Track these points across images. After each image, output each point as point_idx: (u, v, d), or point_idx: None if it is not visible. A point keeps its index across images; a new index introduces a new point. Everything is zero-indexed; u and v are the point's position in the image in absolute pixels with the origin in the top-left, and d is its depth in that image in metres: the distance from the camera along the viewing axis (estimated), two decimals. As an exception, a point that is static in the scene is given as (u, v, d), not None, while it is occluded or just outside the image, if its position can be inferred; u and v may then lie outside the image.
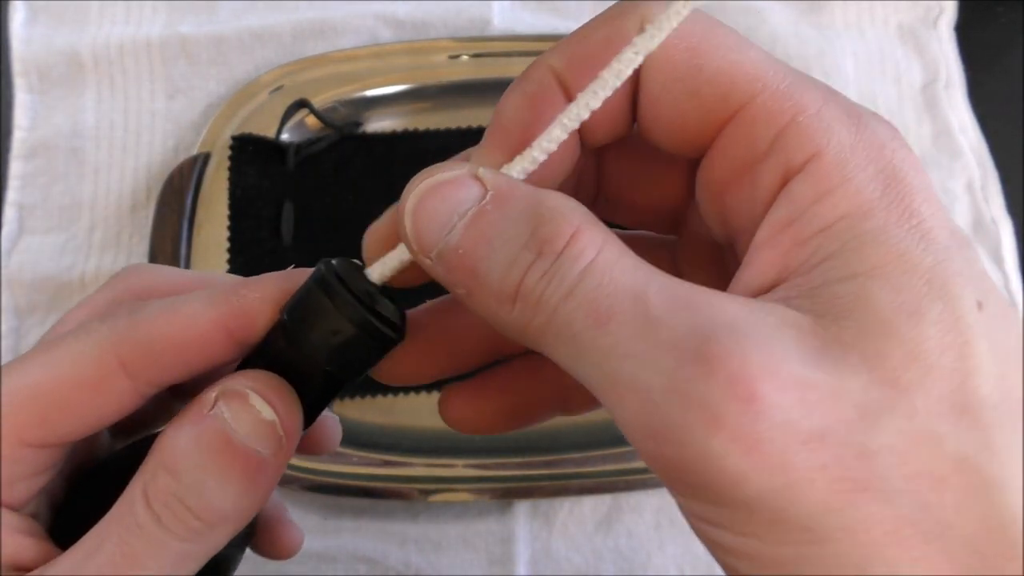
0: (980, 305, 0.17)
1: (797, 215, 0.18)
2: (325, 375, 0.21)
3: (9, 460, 0.21)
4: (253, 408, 0.20)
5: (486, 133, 0.21)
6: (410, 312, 0.23)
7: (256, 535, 0.26)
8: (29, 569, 0.20)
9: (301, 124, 0.48)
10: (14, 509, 0.21)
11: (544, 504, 0.43)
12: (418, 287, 0.22)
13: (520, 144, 0.20)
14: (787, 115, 0.19)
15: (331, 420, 0.26)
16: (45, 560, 0.21)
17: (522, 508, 0.43)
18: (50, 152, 0.49)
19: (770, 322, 0.17)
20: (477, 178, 0.19)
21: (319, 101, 0.48)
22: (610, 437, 0.42)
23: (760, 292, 0.18)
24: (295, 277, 0.22)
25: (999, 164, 0.49)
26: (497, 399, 0.25)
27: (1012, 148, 0.50)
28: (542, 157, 0.19)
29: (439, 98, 0.49)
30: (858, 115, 0.19)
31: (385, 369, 0.23)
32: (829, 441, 0.16)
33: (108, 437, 0.25)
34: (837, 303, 0.17)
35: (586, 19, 0.20)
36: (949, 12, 0.53)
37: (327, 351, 0.21)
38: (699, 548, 0.44)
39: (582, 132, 0.21)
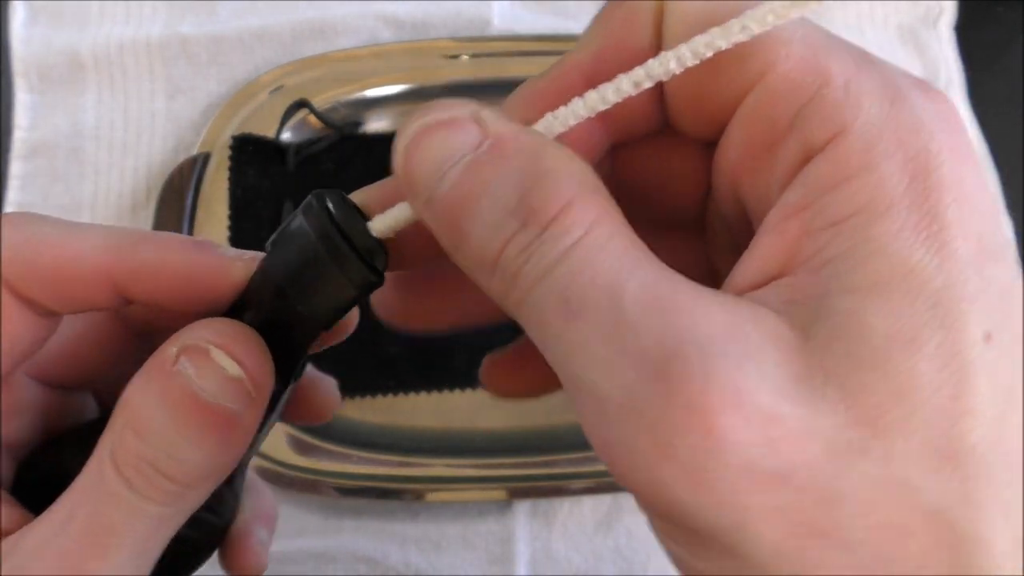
0: (988, 336, 0.15)
1: (811, 200, 0.16)
2: (302, 320, 0.20)
3: None
4: (215, 364, 0.19)
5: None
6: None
7: (224, 547, 0.25)
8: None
9: (301, 124, 0.48)
10: None
11: (544, 504, 0.43)
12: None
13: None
14: (811, 87, 0.17)
15: (327, 384, 0.25)
16: (15, 524, 0.20)
17: (522, 508, 0.43)
18: (50, 152, 0.49)
19: (753, 338, 0.15)
20: (477, 121, 0.17)
21: (319, 101, 0.48)
22: (610, 437, 0.42)
23: (761, 283, 0.17)
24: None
25: (999, 164, 0.49)
26: (538, 362, 0.24)
27: (1012, 148, 0.50)
28: (559, 129, 0.18)
29: (439, 98, 0.49)
30: (896, 88, 0.16)
31: (400, 317, 0.22)
32: (790, 483, 0.14)
33: (96, 409, 0.25)
34: (832, 321, 0.15)
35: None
36: (949, 12, 0.53)
37: (321, 309, 0.20)
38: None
39: (613, 125, 0.20)
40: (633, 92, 0.17)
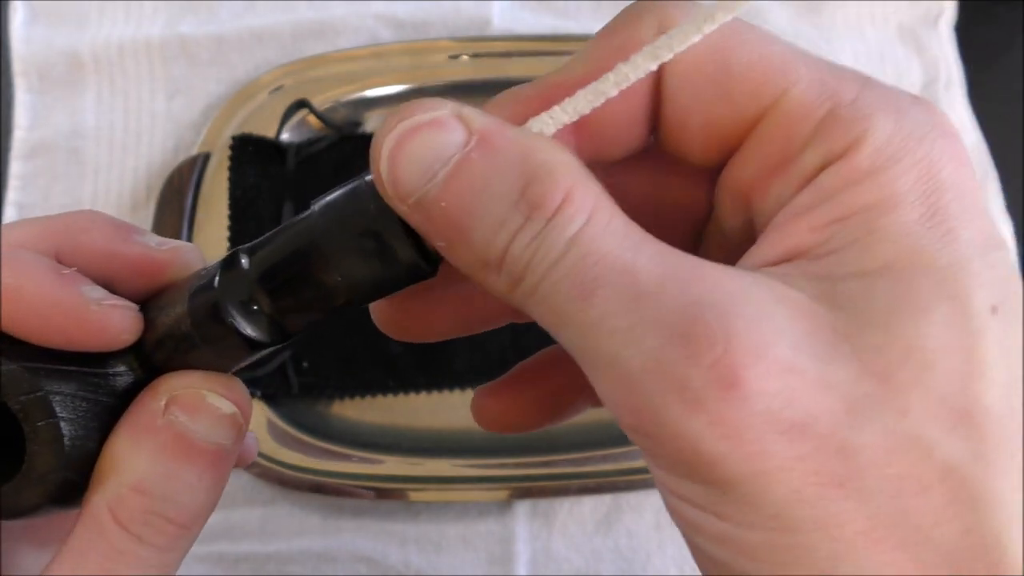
0: (995, 309, 0.16)
1: (820, 202, 0.17)
2: (333, 287, 0.19)
3: None
4: (211, 406, 0.20)
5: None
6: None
7: None
8: None
9: (301, 124, 0.48)
10: None
11: (544, 504, 0.43)
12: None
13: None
14: (824, 107, 0.18)
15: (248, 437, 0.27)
16: None
17: (522, 508, 0.43)
18: (50, 152, 0.49)
19: (763, 297, 0.16)
20: (461, 119, 0.17)
21: (319, 101, 0.48)
22: (610, 437, 0.42)
23: (762, 267, 0.17)
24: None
25: (999, 164, 0.49)
26: (530, 396, 0.24)
27: (1012, 148, 0.50)
28: (549, 130, 0.18)
29: (430, 97, 0.48)
30: (897, 101, 0.18)
31: (395, 326, 0.23)
32: (810, 433, 0.15)
33: None
34: (838, 294, 0.16)
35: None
36: (949, 12, 0.53)
37: (357, 283, 0.19)
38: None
39: (596, 147, 0.20)
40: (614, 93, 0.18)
